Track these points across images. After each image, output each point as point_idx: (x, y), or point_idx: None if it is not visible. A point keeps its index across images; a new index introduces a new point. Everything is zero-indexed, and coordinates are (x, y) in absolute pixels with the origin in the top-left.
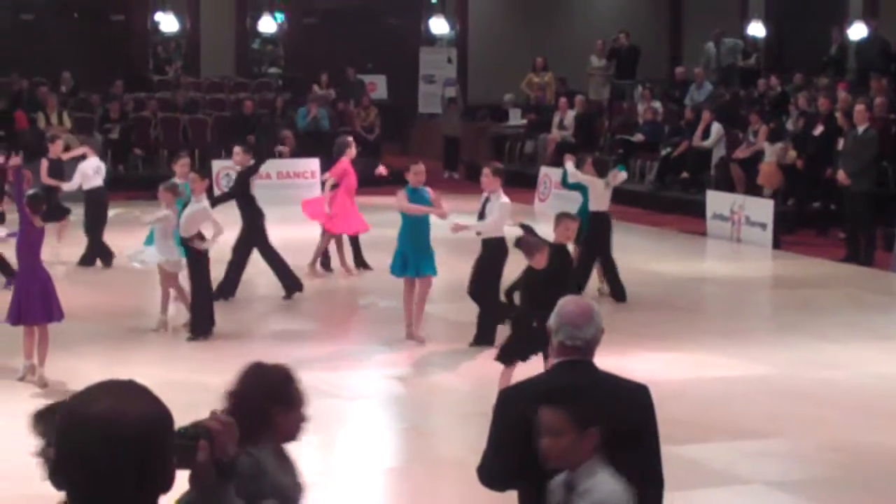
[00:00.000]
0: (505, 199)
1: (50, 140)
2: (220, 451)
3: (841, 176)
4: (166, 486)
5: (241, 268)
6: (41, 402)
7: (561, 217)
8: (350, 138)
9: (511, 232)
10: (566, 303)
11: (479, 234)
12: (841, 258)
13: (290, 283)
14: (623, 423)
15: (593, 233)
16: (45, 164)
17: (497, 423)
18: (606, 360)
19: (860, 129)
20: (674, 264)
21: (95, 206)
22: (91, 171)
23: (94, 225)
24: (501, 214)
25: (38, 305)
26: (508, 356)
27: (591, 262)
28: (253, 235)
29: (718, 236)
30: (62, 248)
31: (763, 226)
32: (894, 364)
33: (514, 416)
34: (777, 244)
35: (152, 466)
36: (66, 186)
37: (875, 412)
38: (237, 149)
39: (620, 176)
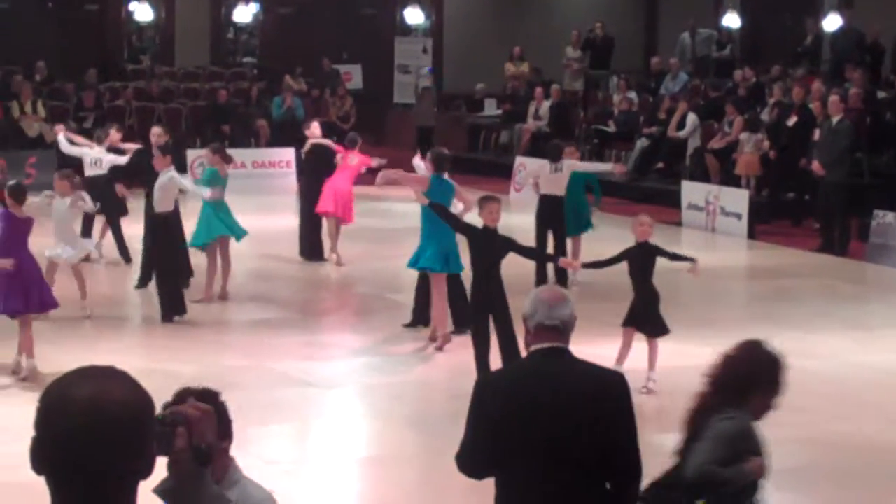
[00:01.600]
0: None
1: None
2: (198, 438)
3: (815, 166)
4: (146, 472)
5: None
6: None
7: (485, 200)
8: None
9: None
10: (540, 290)
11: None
12: (815, 248)
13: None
14: (599, 411)
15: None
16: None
17: (474, 412)
18: (581, 348)
19: (835, 119)
20: None
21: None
22: (89, 160)
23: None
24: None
25: (19, 296)
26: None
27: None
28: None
29: (693, 226)
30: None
31: (738, 216)
32: (868, 354)
33: (490, 404)
34: (752, 234)
35: (133, 452)
36: (70, 148)
37: (849, 402)
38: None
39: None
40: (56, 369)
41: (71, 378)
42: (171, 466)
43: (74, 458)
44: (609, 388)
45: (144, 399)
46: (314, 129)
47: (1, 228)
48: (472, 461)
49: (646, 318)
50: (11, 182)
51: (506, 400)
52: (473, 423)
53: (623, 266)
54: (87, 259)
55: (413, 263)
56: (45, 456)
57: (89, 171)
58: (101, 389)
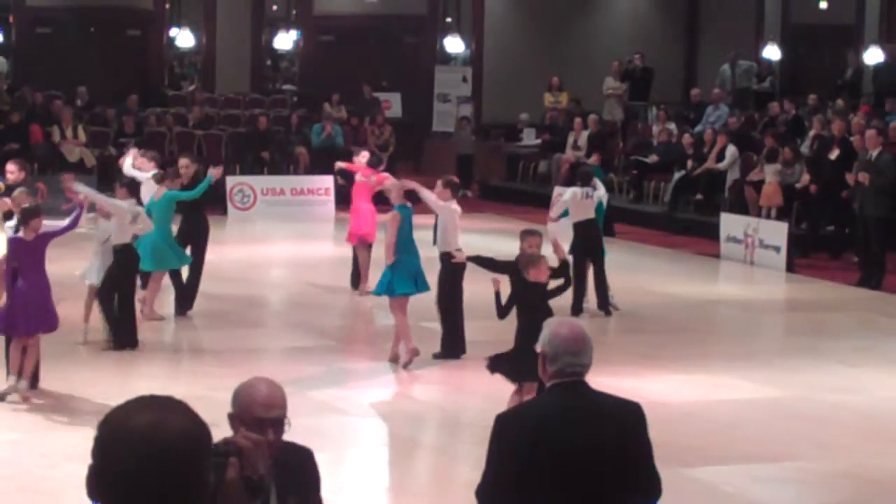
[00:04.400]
0: (454, 206)
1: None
2: (250, 469)
3: (863, 177)
4: (203, 502)
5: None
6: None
7: (525, 234)
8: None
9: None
10: (558, 327)
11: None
12: (854, 282)
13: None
14: (622, 442)
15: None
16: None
17: (497, 448)
18: (620, 381)
19: (874, 153)
20: (687, 286)
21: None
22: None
23: None
24: (451, 222)
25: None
26: (519, 376)
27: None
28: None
29: (732, 259)
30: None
31: (777, 249)
32: None
33: (512, 440)
34: (791, 267)
35: (191, 483)
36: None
37: (889, 436)
38: (184, 161)
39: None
40: (91, 395)
41: (130, 407)
42: (222, 496)
43: (132, 488)
44: (630, 419)
45: (203, 430)
46: (362, 157)
47: (9, 252)
48: (494, 497)
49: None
50: (26, 205)
51: (531, 436)
52: (496, 458)
53: (666, 298)
54: None
55: (387, 291)
56: (101, 484)
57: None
58: (159, 419)
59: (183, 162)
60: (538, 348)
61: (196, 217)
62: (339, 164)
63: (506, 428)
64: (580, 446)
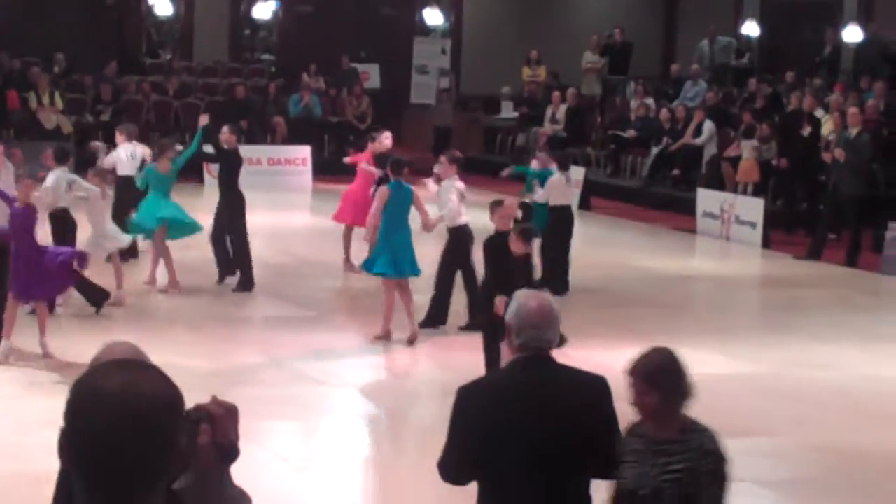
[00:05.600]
0: (458, 183)
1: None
2: (221, 435)
3: (838, 153)
4: (176, 467)
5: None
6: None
7: (496, 204)
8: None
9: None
10: (527, 300)
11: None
12: (829, 259)
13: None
14: (583, 417)
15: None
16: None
17: (456, 420)
18: (594, 354)
19: (853, 131)
20: (663, 261)
21: (125, 194)
22: (125, 156)
23: (121, 214)
24: (456, 199)
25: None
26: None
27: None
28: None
29: (708, 234)
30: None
31: (753, 224)
32: (881, 365)
33: (472, 412)
34: (766, 243)
35: (162, 446)
36: (100, 163)
37: (861, 412)
38: (224, 128)
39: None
40: (65, 362)
41: (102, 370)
42: (192, 463)
43: (103, 451)
44: (592, 393)
45: (175, 393)
46: (385, 141)
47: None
48: (454, 469)
49: None
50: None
51: (490, 410)
52: (455, 431)
53: (642, 272)
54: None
55: (368, 268)
56: (73, 446)
57: (123, 171)
58: (131, 382)
59: (225, 129)
60: (506, 319)
61: (230, 190)
62: (346, 160)
63: (466, 400)
64: (540, 418)
